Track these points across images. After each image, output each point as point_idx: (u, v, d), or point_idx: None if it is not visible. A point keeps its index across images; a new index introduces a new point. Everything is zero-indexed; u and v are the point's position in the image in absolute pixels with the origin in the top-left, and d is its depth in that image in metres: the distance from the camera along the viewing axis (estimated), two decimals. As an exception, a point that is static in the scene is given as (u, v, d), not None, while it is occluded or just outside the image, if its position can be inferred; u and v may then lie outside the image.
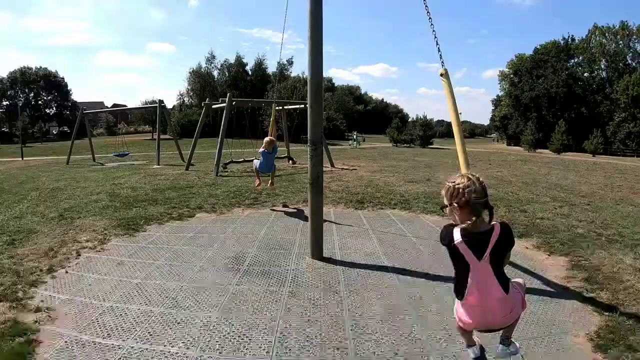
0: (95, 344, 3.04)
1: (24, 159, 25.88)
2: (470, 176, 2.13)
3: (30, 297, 3.90)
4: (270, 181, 8.54)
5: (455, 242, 2.09)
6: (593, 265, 4.63)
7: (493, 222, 2.13)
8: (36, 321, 3.40)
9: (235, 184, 11.02)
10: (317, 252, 4.95)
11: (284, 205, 8.32)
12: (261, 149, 8.21)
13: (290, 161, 17.70)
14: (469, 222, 2.06)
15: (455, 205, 2.08)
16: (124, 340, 3.07)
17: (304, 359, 2.80)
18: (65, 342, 3.07)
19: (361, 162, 19.02)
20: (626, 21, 53.75)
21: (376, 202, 8.47)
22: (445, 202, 2.15)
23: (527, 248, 5.41)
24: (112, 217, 7.22)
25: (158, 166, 17.49)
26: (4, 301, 3.79)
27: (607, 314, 3.47)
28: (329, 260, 4.90)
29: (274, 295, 3.91)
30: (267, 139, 8.19)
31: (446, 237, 2.14)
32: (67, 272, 4.56)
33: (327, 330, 3.25)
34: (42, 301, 3.79)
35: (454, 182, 2.12)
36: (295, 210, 7.89)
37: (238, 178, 12.61)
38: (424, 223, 6.84)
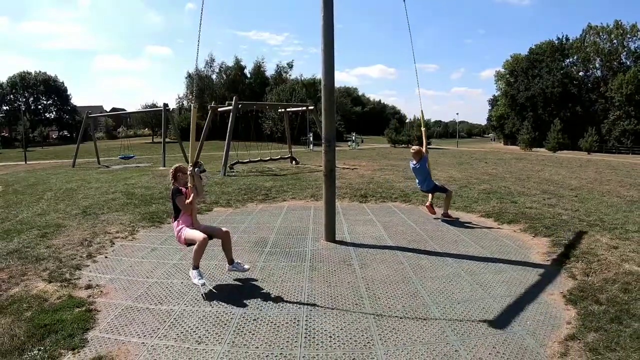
0: (149, 309, 3.62)
1: (28, 162, 26.26)
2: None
3: (77, 278, 4.42)
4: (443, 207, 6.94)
5: None
6: (572, 244, 5.26)
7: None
8: (89, 296, 3.93)
9: (245, 182, 11.63)
10: (330, 235, 5.60)
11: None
12: (411, 164, 7.04)
13: (294, 162, 18.36)
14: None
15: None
16: (174, 305, 3.66)
17: (329, 312, 3.44)
18: (122, 309, 3.63)
19: (361, 162, 19.67)
20: (620, 20, 54.59)
21: (378, 196, 9.09)
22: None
23: (514, 231, 6.09)
24: (134, 212, 7.78)
25: (164, 168, 18.00)
26: (53, 282, 4.29)
27: (580, 278, 4.10)
28: (341, 243, 5.57)
29: (297, 268, 4.56)
30: (413, 148, 6.95)
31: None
32: (106, 257, 5.14)
33: (346, 292, 3.90)
34: (89, 280, 4.33)
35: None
36: (304, 204, 8.49)
37: (245, 177, 13.21)
38: (423, 212, 7.47)
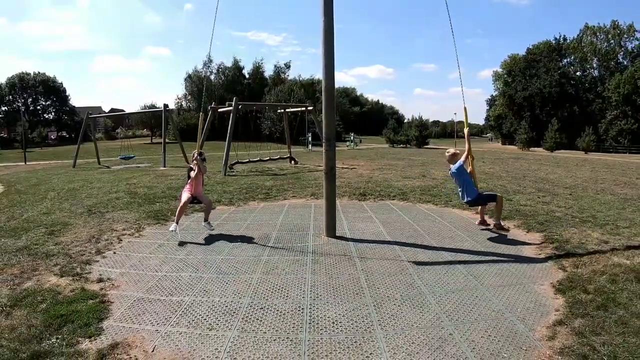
0: (161, 300, 3.80)
1: (27, 163, 26.31)
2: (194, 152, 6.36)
3: (88, 272, 4.58)
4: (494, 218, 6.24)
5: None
6: (564, 239, 5.46)
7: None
8: (102, 288, 4.10)
9: (245, 182, 11.82)
10: (331, 231, 5.81)
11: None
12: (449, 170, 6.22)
13: (293, 162, 18.57)
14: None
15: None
16: (184, 297, 3.85)
17: (331, 301, 3.64)
18: (134, 300, 3.81)
19: (360, 161, 19.86)
20: (617, 20, 54.97)
21: (377, 194, 9.30)
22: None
23: (508, 227, 6.25)
24: (139, 210, 7.95)
25: (164, 168, 18.16)
26: (65, 276, 4.45)
27: (570, 270, 4.30)
28: (342, 238, 5.78)
29: (300, 262, 4.77)
30: (448, 151, 6.35)
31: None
32: (114, 253, 5.30)
33: (347, 283, 4.11)
34: (100, 274, 4.49)
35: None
36: (305, 202, 8.69)
37: (245, 177, 13.39)
38: (420, 210, 7.72)
